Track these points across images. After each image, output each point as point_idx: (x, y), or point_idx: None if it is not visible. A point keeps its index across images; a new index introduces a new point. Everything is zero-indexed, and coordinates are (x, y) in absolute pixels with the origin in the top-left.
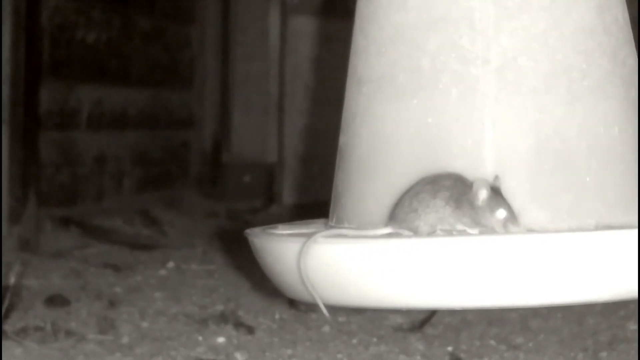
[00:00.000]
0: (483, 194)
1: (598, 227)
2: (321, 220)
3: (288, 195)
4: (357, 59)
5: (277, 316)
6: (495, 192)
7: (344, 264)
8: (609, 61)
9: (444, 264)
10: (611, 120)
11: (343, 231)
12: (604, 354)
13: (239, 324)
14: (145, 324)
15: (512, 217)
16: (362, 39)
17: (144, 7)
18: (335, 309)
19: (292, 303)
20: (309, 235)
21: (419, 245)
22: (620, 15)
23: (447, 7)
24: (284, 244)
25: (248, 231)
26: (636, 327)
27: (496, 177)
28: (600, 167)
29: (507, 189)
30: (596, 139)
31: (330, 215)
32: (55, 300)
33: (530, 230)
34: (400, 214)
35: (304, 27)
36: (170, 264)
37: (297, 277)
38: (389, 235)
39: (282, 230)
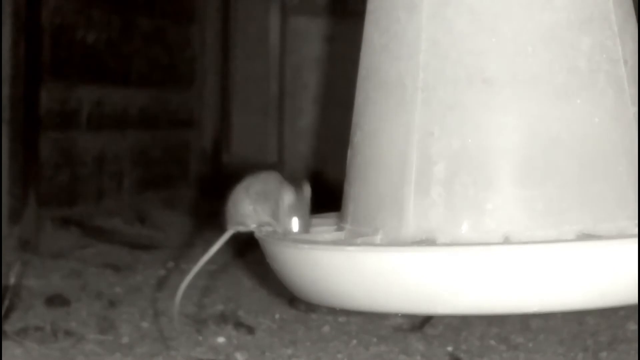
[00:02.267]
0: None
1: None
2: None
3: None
4: (380, 60)
5: (277, 316)
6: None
7: (408, 272)
8: None
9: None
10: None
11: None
12: (604, 354)
13: (239, 324)
14: (145, 324)
15: None
16: (386, 41)
17: (144, 7)
18: (336, 309)
19: (292, 303)
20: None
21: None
22: None
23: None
24: (345, 253)
25: (265, 238)
26: (636, 327)
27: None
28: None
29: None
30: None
31: (347, 217)
32: (55, 300)
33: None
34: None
35: (304, 27)
36: (170, 264)
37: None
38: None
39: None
